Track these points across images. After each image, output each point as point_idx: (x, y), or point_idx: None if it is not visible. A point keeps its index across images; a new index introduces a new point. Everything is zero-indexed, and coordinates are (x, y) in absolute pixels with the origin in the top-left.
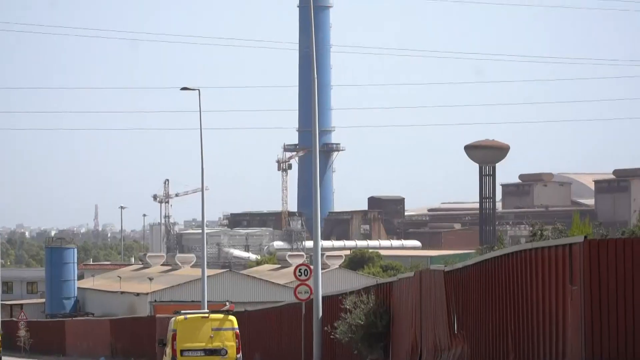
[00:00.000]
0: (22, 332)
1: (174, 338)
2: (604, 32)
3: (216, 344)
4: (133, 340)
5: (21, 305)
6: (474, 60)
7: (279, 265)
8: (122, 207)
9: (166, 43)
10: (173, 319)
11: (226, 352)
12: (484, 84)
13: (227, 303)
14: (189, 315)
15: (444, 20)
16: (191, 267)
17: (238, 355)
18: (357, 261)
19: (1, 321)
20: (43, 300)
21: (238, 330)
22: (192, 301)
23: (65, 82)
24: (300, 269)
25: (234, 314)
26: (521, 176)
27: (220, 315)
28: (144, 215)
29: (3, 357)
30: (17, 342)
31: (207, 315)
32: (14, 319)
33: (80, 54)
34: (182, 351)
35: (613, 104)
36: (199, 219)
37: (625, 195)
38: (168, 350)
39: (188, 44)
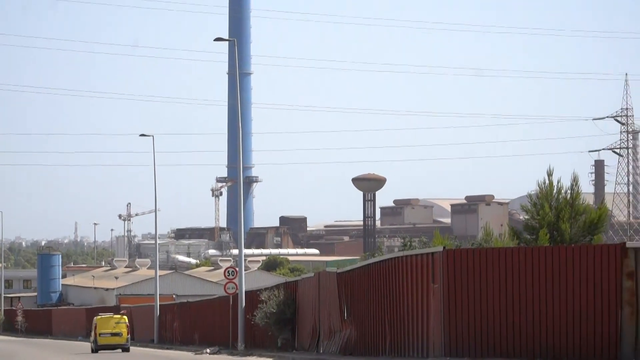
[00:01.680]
0: (19, 318)
1: (95, 327)
2: (453, 88)
3: (117, 330)
4: None
5: (19, 297)
6: (357, 113)
7: (213, 268)
8: (95, 224)
9: (133, 101)
10: (95, 317)
11: (122, 334)
12: (367, 131)
13: (122, 311)
14: (103, 316)
15: (336, 82)
16: (147, 268)
17: (128, 336)
18: (271, 265)
19: (4, 309)
20: (35, 293)
21: (128, 323)
22: (148, 294)
23: (51, 128)
24: (228, 271)
25: (186, 305)
26: (395, 201)
27: (119, 315)
28: (112, 229)
29: (5, 337)
30: (15, 325)
31: (112, 315)
32: (13, 307)
33: (58, 104)
34: (100, 334)
35: (465, 146)
36: (153, 232)
37: (474, 216)
38: (92, 333)
39: (148, 101)
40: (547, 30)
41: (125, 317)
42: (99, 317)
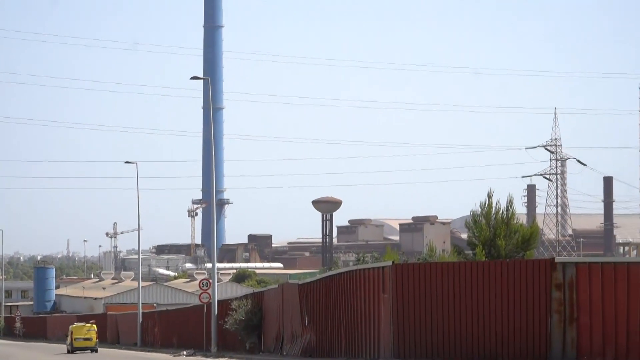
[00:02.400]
0: (18, 324)
1: (71, 334)
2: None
3: (88, 336)
4: None
5: (17, 305)
6: (317, 143)
7: (189, 280)
8: (85, 241)
9: (119, 132)
10: (70, 325)
11: (92, 339)
12: (326, 159)
13: (92, 320)
14: (77, 325)
15: (299, 115)
16: (131, 280)
17: (96, 340)
18: (240, 277)
19: (4, 317)
20: (32, 302)
21: (96, 330)
22: (132, 303)
23: (47, 156)
24: (203, 282)
25: (155, 313)
26: (350, 221)
27: (89, 324)
28: (100, 245)
29: (5, 341)
30: (14, 330)
31: (83, 324)
32: (12, 315)
33: (53, 135)
34: (75, 339)
35: (412, 172)
36: (137, 248)
37: (420, 234)
38: (69, 338)
39: (131, 132)
40: (485, 69)
41: (94, 325)
42: (74, 325)
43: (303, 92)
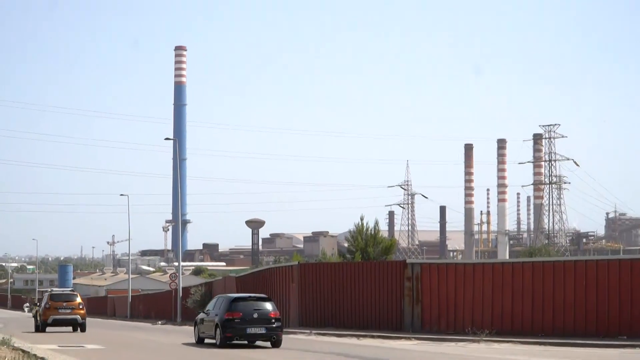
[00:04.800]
0: None
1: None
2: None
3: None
4: (97, 308)
5: (47, 291)
6: (250, 182)
7: (163, 273)
8: (93, 247)
9: (119, 174)
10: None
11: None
12: (256, 193)
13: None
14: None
15: (238, 165)
16: (124, 274)
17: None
18: (197, 272)
19: (37, 300)
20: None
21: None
22: (124, 289)
23: (66, 190)
24: (172, 275)
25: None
26: (270, 234)
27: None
28: (103, 250)
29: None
30: None
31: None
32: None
33: (71, 177)
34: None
35: (312, 202)
36: (128, 252)
37: (317, 243)
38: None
39: (123, 175)
40: (356, 133)
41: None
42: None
43: (242, 148)
